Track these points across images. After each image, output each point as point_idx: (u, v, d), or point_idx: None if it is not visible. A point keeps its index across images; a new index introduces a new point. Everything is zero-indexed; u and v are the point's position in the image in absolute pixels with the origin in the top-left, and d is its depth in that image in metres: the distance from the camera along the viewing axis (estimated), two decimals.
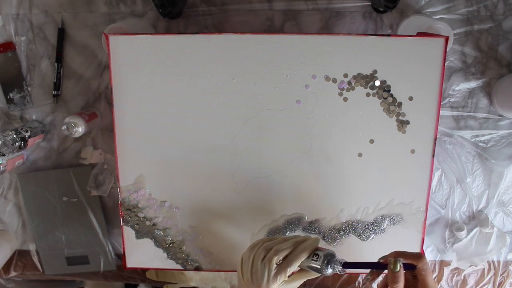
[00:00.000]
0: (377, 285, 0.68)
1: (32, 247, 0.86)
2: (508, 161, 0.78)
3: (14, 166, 0.78)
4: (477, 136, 0.77)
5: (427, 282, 0.53)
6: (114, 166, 0.76)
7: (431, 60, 0.63)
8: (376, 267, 0.57)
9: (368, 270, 0.58)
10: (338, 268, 0.54)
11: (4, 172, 0.76)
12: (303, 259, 0.54)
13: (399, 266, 0.52)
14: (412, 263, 0.54)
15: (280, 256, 0.53)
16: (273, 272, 0.52)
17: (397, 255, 0.55)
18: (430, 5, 0.72)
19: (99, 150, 0.80)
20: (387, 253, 0.57)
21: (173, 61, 0.64)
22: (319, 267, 0.54)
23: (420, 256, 0.54)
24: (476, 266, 0.82)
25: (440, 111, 0.65)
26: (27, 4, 0.75)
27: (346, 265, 0.59)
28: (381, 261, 0.57)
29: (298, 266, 0.55)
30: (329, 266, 0.53)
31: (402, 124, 0.66)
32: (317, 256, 0.54)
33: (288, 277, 0.55)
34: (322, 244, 0.70)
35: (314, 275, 0.56)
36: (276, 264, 0.53)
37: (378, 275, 0.61)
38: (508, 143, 0.77)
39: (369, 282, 0.65)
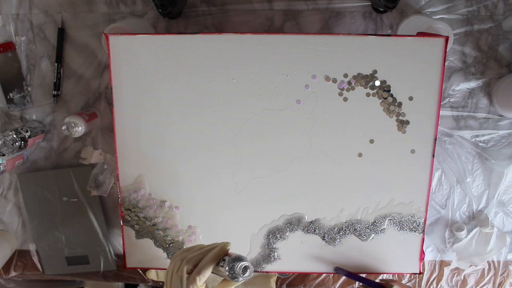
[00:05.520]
0: None
1: (32, 247, 0.86)
2: (508, 161, 0.78)
3: (14, 166, 0.78)
4: (477, 136, 0.77)
5: None
6: (114, 166, 0.76)
7: (431, 60, 0.63)
8: (375, 286, 0.66)
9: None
10: (243, 273, 0.50)
11: (4, 172, 0.76)
12: (211, 266, 0.51)
13: None
14: None
15: (190, 266, 0.51)
16: (184, 282, 0.50)
17: (395, 282, 0.65)
18: (430, 5, 0.72)
19: (99, 150, 0.80)
20: (389, 279, 0.70)
21: (173, 61, 0.64)
22: (227, 272, 0.51)
23: None
24: (476, 266, 0.82)
25: (440, 111, 0.65)
26: (27, 4, 0.75)
27: (349, 275, 0.68)
28: (382, 283, 0.66)
29: (218, 275, 0.53)
30: (234, 271, 0.50)
31: (402, 124, 0.66)
32: (223, 261, 0.51)
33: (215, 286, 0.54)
34: (321, 244, 0.70)
35: (234, 284, 0.53)
36: (187, 273, 0.51)
37: None
38: (508, 143, 0.77)
39: None
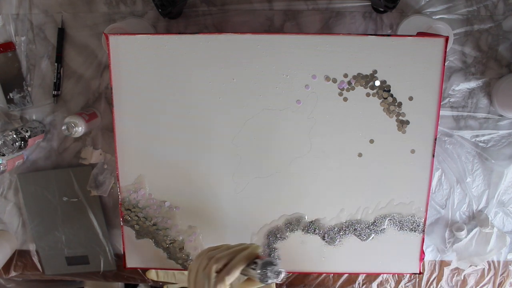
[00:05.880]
0: None
1: (32, 247, 0.86)
2: (508, 161, 0.78)
3: (14, 166, 0.78)
4: (477, 136, 0.77)
5: None
6: (114, 166, 0.76)
7: (431, 60, 0.63)
8: None
9: None
10: (276, 277, 0.52)
11: (4, 172, 0.76)
12: (241, 267, 0.52)
13: None
14: None
15: (219, 265, 0.52)
16: (212, 281, 0.51)
17: None
18: (430, 5, 0.72)
19: (99, 150, 0.80)
20: None
21: (173, 61, 0.64)
22: (259, 275, 0.52)
23: None
24: (476, 266, 0.82)
25: (440, 111, 0.65)
26: (27, 4, 0.75)
27: None
28: None
29: (244, 275, 0.54)
30: (266, 275, 0.52)
31: (402, 124, 0.66)
32: (255, 264, 0.53)
33: (240, 284, 0.54)
34: (321, 244, 0.70)
35: (260, 284, 0.55)
36: (216, 273, 0.52)
37: None
38: (508, 143, 0.77)
39: None
